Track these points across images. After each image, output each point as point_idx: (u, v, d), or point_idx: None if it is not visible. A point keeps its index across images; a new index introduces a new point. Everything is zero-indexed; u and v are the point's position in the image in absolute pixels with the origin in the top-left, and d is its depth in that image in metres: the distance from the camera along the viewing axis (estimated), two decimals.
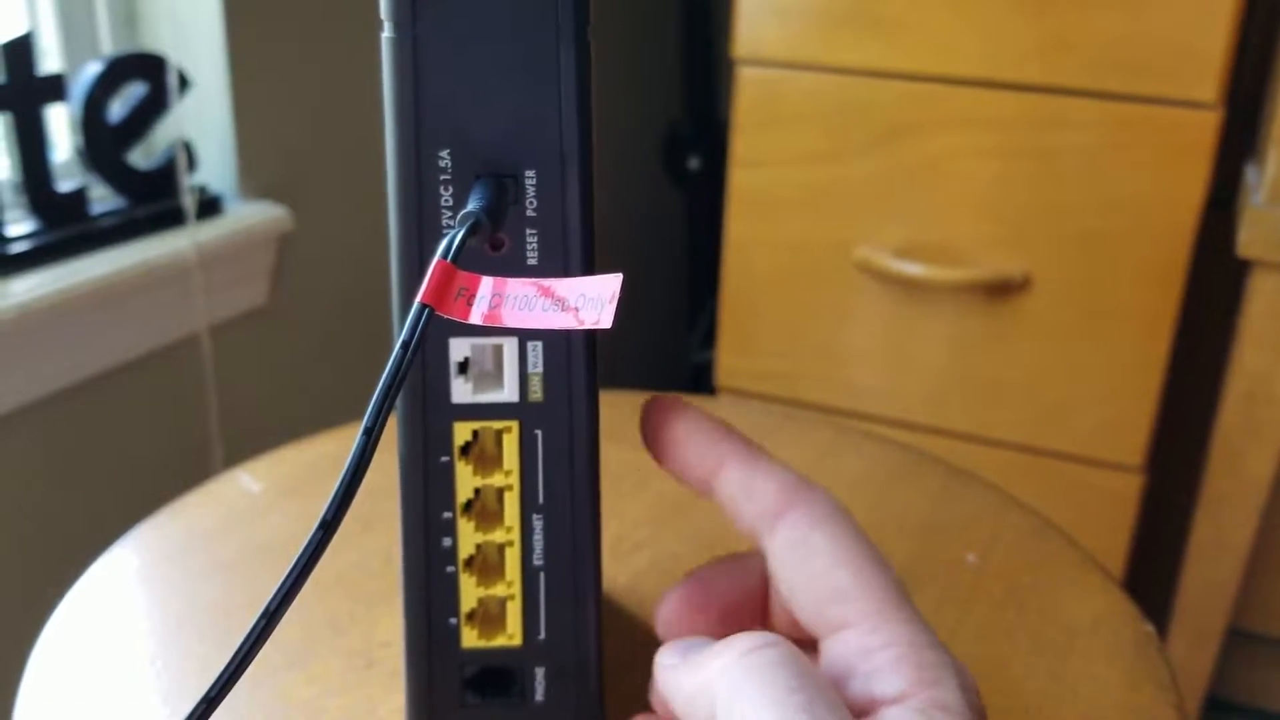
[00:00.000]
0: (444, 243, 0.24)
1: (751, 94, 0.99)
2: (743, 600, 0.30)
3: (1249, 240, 0.85)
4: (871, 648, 0.25)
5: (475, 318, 0.22)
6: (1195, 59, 0.85)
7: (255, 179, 0.93)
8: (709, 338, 1.31)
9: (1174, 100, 0.87)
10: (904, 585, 0.27)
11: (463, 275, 0.23)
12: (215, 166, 0.92)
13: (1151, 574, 1.08)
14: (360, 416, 0.22)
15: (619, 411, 0.59)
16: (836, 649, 0.26)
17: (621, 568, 0.44)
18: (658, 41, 1.50)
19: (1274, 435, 0.90)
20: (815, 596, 0.27)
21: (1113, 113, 0.89)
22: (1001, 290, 0.95)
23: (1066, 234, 0.92)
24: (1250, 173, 0.90)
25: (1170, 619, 0.99)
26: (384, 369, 0.22)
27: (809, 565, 0.27)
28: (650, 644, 0.28)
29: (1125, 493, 0.98)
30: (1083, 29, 0.87)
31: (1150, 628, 0.42)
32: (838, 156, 0.98)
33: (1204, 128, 0.86)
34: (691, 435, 0.30)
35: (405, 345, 0.22)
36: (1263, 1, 0.95)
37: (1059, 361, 0.96)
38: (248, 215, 0.91)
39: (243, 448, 0.92)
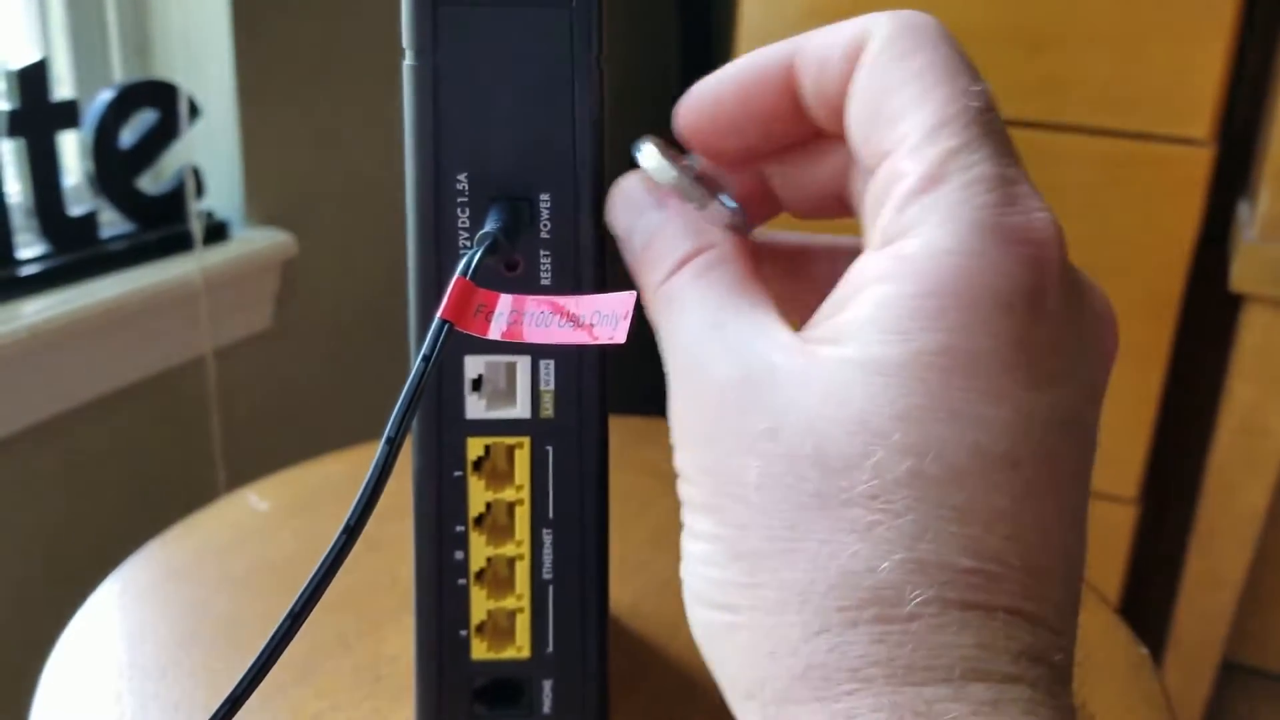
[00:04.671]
0: (463, 261, 0.24)
1: None
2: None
3: (1242, 275, 0.86)
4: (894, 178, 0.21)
5: (494, 333, 0.23)
6: (1189, 97, 0.86)
7: (261, 206, 0.94)
8: None
9: (1168, 137, 0.88)
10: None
11: (481, 293, 0.24)
12: (222, 193, 0.93)
13: (1146, 606, 1.09)
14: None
15: (623, 437, 0.60)
16: (872, 187, 0.22)
17: (625, 587, 0.45)
18: (658, 60, 1.51)
19: (1267, 468, 0.91)
20: (863, 124, 0.22)
21: (1108, 149, 0.90)
22: None
23: None
24: (1243, 208, 0.92)
25: (1165, 651, 0.99)
26: (400, 386, 0.23)
27: (865, 90, 0.22)
28: (654, 662, 0.28)
29: (1120, 524, 0.98)
30: (1079, 68, 0.89)
31: (1144, 650, 0.42)
32: None
33: (1197, 164, 0.88)
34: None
35: (426, 359, 0.23)
36: (1255, 40, 0.96)
37: None
38: (253, 241, 0.92)
39: (245, 468, 0.93)
